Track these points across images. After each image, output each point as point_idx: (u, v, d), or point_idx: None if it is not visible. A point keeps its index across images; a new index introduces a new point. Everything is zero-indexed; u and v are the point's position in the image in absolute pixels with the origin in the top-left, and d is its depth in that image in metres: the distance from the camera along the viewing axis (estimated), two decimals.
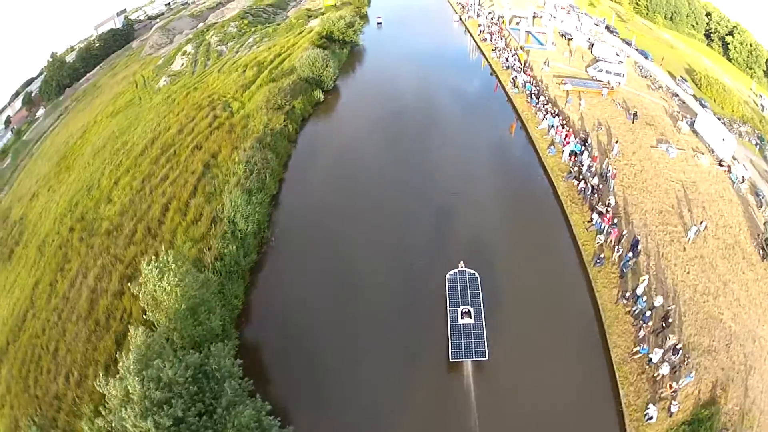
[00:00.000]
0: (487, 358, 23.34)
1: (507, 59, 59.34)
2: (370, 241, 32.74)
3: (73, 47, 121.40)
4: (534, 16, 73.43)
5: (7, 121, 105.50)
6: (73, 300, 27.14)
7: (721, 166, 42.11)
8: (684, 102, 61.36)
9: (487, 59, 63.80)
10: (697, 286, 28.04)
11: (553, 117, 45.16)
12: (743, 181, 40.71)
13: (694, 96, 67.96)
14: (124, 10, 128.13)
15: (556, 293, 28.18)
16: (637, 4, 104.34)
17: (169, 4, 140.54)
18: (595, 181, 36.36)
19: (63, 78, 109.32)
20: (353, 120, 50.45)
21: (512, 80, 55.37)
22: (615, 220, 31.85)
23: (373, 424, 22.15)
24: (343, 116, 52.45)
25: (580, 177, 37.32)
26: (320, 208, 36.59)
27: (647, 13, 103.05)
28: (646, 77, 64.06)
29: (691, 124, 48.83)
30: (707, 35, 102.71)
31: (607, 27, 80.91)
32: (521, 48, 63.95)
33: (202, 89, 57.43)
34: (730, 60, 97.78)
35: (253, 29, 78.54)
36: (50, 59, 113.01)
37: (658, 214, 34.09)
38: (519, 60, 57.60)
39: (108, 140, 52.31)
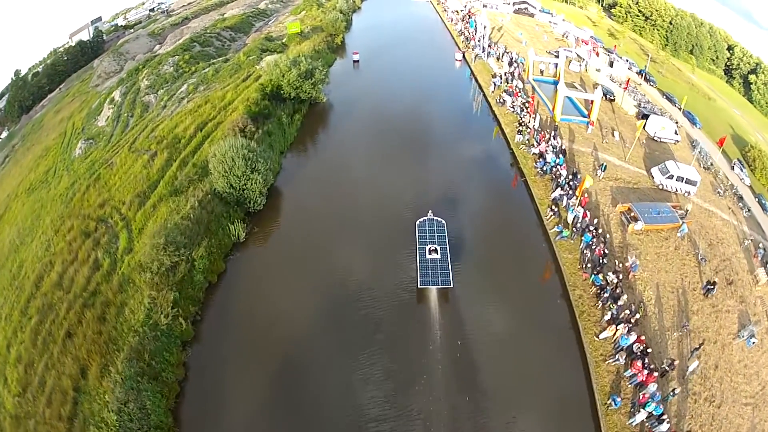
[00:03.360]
0: (451, 285, 20.87)
1: (542, 156, 28.80)
2: None
3: (57, 50, 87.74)
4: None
5: None
6: None
7: None
8: (749, 210, 32.93)
9: (504, 136, 33.30)
10: None
11: (629, 331, 19.07)
12: None
13: (751, 189, 38.93)
14: (99, 18, 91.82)
15: None
16: (654, 30, 71.40)
17: (153, 9, 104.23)
18: None
19: (25, 99, 77.63)
20: (290, 280, 22.54)
21: (553, 204, 26.39)
22: None
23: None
24: (274, 270, 23.44)
25: None
26: None
27: (666, 45, 70.59)
28: (707, 169, 35.10)
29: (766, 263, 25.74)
30: (727, 71, 70.80)
31: (645, 76, 49.15)
32: (556, 122, 33.22)
33: (103, 183, 30.30)
34: (751, 101, 66.72)
35: (192, 68, 46.34)
36: (13, 77, 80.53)
37: None
38: (564, 162, 27.22)
39: (9, 252, 29.19)
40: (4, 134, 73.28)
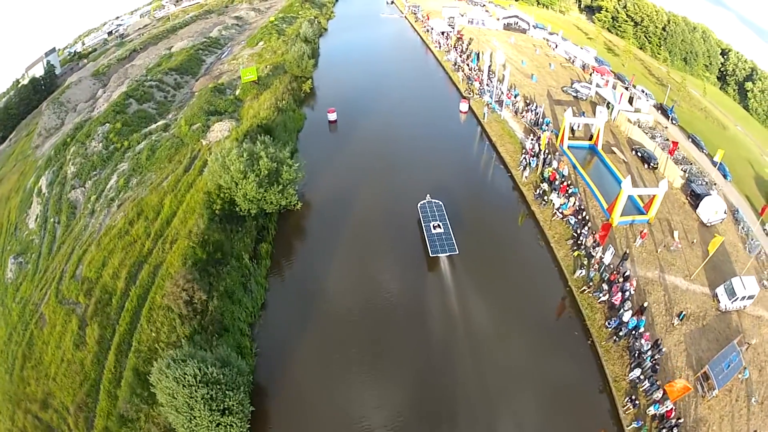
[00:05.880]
0: (457, 252, 21.30)
1: (613, 308, 17.16)
2: None
3: (18, 80, 68.02)
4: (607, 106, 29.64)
5: None
6: None
7: None
8: None
9: (554, 258, 21.82)
10: None
11: None
12: None
13: None
14: (53, 50, 71.59)
15: None
16: (646, 40, 57.76)
17: (111, 33, 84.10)
18: None
19: None
20: None
21: (632, 391, 16.03)
22: None
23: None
24: None
25: None
26: None
27: (659, 53, 57.44)
28: (750, 251, 24.85)
29: None
30: (721, 77, 58.61)
31: (663, 110, 36.62)
32: (613, 225, 21.32)
33: (38, 357, 20.50)
34: (747, 108, 55.36)
35: (125, 143, 31.72)
36: None
37: None
38: (645, 325, 16.41)
39: None
40: None
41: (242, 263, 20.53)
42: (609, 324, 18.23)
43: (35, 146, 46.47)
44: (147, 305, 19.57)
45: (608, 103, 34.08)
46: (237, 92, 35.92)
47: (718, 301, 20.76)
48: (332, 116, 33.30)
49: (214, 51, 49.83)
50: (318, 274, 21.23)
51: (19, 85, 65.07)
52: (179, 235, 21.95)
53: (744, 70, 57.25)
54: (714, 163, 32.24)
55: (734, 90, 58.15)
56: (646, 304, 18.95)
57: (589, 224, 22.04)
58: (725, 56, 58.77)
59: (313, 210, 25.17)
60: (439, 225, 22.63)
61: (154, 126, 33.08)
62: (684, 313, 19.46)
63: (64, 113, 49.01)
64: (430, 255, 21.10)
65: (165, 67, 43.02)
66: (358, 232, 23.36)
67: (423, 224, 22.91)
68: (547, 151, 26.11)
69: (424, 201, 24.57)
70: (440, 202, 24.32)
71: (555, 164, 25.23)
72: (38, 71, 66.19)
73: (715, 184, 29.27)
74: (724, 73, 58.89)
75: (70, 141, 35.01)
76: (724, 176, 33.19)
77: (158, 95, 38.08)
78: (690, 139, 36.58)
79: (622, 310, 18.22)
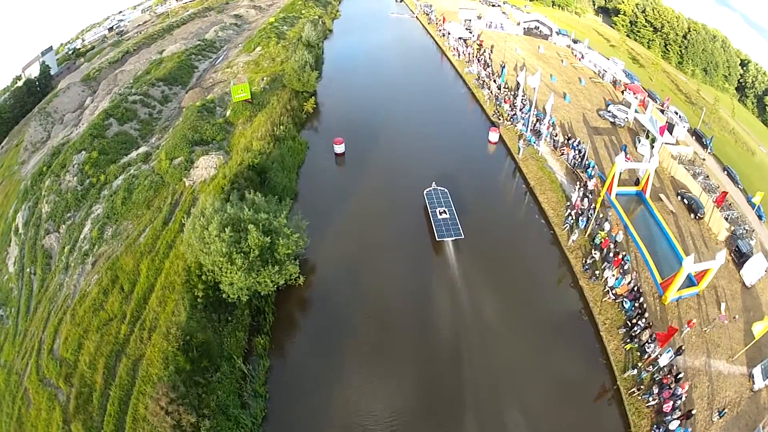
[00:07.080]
0: (462, 236, 20.27)
1: (660, 412, 13.88)
2: None
3: (18, 77, 59.27)
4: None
5: None
6: None
7: None
8: None
9: (603, 351, 16.81)
10: None
11: None
12: None
13: None
14: (50, 49, 62.93)
15: None
16: (665, 49, 50.58)
17: (111, 28, 75.17)
18: None
19: None
20: None
21: None
22: None
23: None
24: None
25: None
26: None
27: (680, 62, 50.48)
28: None
29: None
30: (739, 88, 51.99)
31: (698, 136, 30.93)
32: (665, 303, 16.84)
33: None
34: (765, 123, 49.25)
35: (101, 177, 25.90)
36: None
37: None
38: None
39: None
40: None
41: (236, 367, 15.41)
42: (655, 430, 13.96)
43: (21, 161, 40.73)
44: (130, 414, 14.92)
45: (648, 132, 28.19)
46: (227, 113, 29.58)
47: (753, 382, 17.23)
48: (339, 148, 27.14)
49: (208, 55, 42.72)
50: (326, 369, 15.97)
51: (14, 87, 57.81)
52: (158, 323, 16.73)
53: (763, 83, 50.94)
54: (752, 205, 27.09)
55: (753, 103, 52.06)
56: (694, 411, 14.63)
57: (647, 314, 16.88)
58: (744, 67, 52.16)
59: (320, 278, 19.67)
60: (445, 210, 21.50)
61: (134, 154, 27.16)
62: (726, 410, 15.29)
63: (50, 125, 42.66)
64: (437, 239, 20.23)
65: (153, 76, 36.27)
66: (374, 312, 17.91)
67: (429, 210, 21.63)
68: (601, 217, 20.38)
69: (429, 189, 23.23)
70: (446, 189, 23.09)
71: (607, 226, 19.78)
72: (35, 71, 58.90)
73: (754, 230, 24.35)
74: (743, 84, 52.52)
75: (45, 170, 29.04)
76: (759, 217, 28.13)
77: (142, 112, 31.69)
78: (725, 172, 31.07)
79: (669, 417, 14.07)
